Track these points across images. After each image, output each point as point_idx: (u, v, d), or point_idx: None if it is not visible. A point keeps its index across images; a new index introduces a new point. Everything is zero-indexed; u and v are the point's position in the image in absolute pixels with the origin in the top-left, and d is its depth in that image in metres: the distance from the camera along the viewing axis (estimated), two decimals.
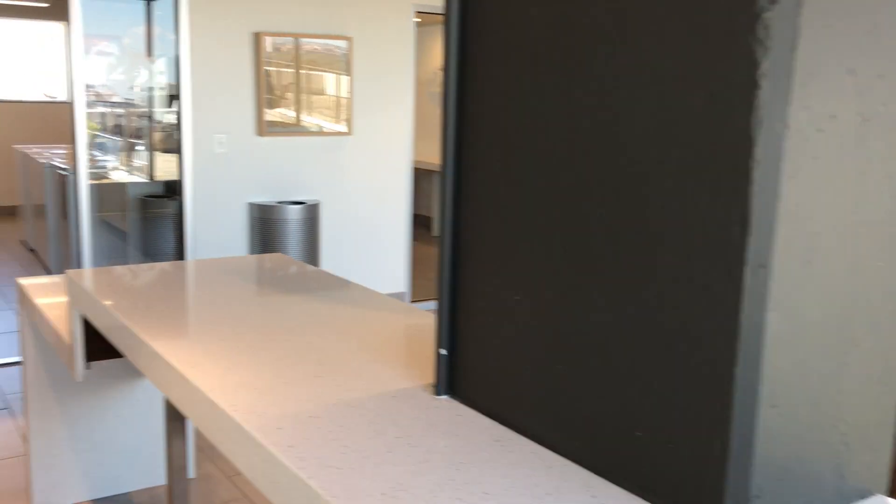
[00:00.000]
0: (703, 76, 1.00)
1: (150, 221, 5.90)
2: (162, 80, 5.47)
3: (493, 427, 1.35)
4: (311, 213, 5.41)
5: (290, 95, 5.44)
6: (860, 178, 1.03)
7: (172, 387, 1.61)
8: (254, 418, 1.35)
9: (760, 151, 0.95)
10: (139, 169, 6.27)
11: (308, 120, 5.54)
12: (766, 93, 0.94)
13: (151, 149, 6.17)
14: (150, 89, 5.52)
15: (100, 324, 2.09)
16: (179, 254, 5.41)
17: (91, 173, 6.24)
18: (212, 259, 2.64)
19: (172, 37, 5.16)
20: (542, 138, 1.25)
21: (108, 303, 2.03)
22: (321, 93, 5.57)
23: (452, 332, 1.46)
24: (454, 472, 1.18)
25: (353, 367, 1.61)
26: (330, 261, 5.81)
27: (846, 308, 1.06)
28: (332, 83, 5.60)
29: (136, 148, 6.36)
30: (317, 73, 5.54)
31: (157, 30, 5.55)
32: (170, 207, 5.61)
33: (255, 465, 1.30)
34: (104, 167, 6.48)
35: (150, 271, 2.47)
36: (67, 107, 7.93)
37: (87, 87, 5.51)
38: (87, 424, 3.15)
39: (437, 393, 1.47)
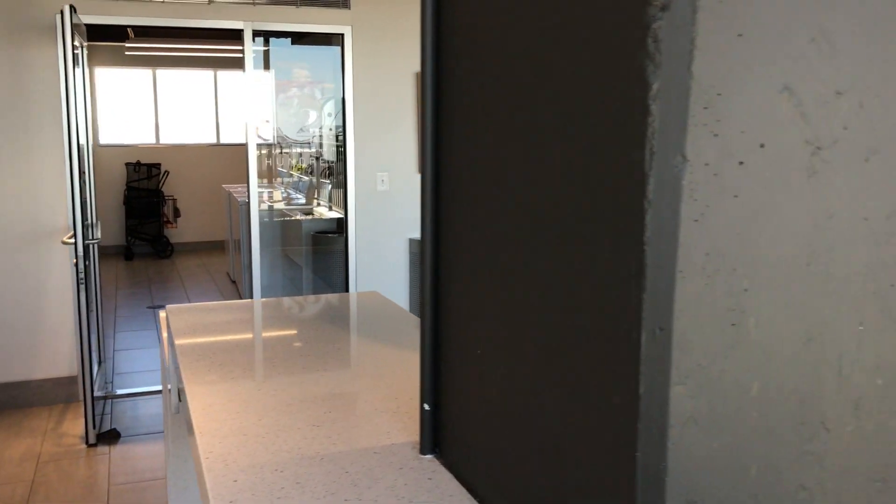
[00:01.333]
0: (599, 103, 0.84)
1: (322, 255, 6.16)
2: (331, 121, 5.72)
3: (457, 495, 1.22)
4: None
5: None
6: (817, 222, 0.83)
7: (191, 429, 1.62)
8: (219, 468, 1.31)
9: (654, 191, 0.78)
10: (312, 205, 6.58)
11: None
12: (658, 119, 0.77)
13: (322, 187, 6.46)
14: (319, 129, 5.78)
15: (179, 360, 2.16)
16: (346, 286, 5.59)
17: (277, 210, 6.63)
18: (303, 297, 2.67)
19: (341, 80, 5.39)
20: (486, 187, 1.12)
21: (178, 343, 2.10)
22: None
23: (436, 384, 1.35)
24: None
25: (358, 417, 1.53)
26: None
27: (809, 383, 0.85)
28: None
29: (313, 186, 6.69)
30: None
31: (329, 73, 5.82)
32: (338, 243, 5.82)
33: None
34: (293, 204, 6.87)
35: (236, 310, 2.54)
36: (269, 147, 8.53)
37: (272, 129, 5.87)
38: None
39: (423, 451, 1.36)
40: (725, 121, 0.78)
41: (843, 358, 0.85)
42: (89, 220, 4.83)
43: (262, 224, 6.37)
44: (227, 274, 8.81)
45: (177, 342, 2.08)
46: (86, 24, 4.86)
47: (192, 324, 2.28)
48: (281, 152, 8.18)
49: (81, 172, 4.28)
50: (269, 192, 8.13)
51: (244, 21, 5.07)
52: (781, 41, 0.78)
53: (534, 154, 0.98)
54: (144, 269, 9.21)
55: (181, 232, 10.25)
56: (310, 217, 6.42)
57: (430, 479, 1.27)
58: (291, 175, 7.91)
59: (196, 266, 9.39)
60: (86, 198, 4.69)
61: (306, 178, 7.32)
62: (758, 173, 0.79)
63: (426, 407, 1.35)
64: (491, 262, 1.13)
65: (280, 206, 7.13)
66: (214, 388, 1.71)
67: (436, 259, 1.32)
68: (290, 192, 7.82)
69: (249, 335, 2.18)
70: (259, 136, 11.65)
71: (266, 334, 2.20)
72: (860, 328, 0.86)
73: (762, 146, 0.79)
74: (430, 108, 1.28)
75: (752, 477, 0.84)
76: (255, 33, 5.33)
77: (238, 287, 8.10)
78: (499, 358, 1.11)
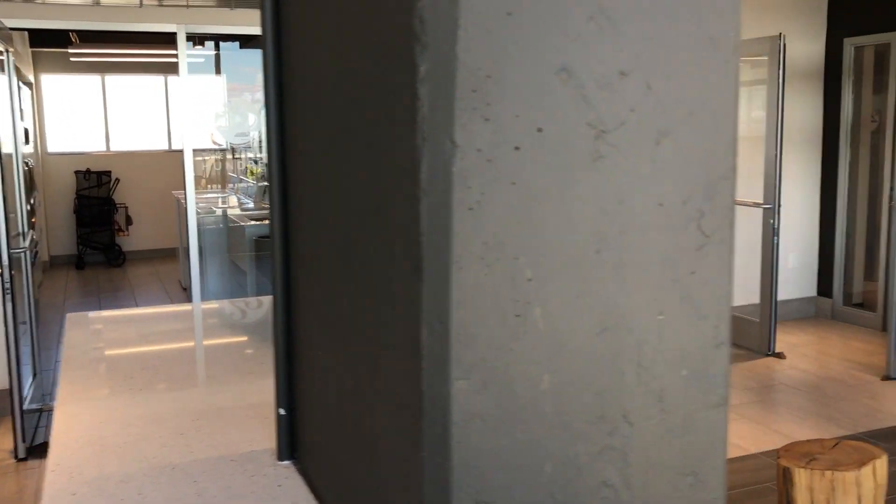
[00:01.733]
0: (382, 92, 0.81)
1: (266, 260, 6.09)
2: None
3: (302, 503, 1.18)
4: None
5: None
6: (606, 207, 0.80)
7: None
8: (62, 481, 1.26)
9: (426, 179, 0.74)
10: (258, 209, 6.51)
11: None
12: (427, 104, 0.74)
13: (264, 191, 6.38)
14: (258, 132, 5.72)
15: (60, 370, 2.10)
16: None
17: (224, 216, 6.54)
18: (220, 301, 2.62)
19: None
20: (316, 187, 1.09)
21: (65, 352, 2.04)
22: None
23: (290, 388, 1.30)
24: None
25: (226, 424, 1.48)
26: None
27: (606, 375, 0.82)
28: None
29: (261, 190, 6.61)
30: None
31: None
32: None
33: None
34: (244, 209, 6.79)
35: (139, 321, 2.48)
36: (223, 153, 8.42)
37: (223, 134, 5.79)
38: None
39: (280, 458, 1.32)
40: (497, 104, 0.74)
41: (643, 348, 0.83)
42: (19, 230, 4.73)
43: (207, 231, 6.28)
44: (179, 282, 8.70)
45: (64, 352, 2.02)
46: (13, 28, 4.76)
47: (87, 333, 2.22)
48: (234, 157, 8.08)
49: (5, 182, 4.18)
50: (221, 197, 8.03)
51: (177, 24, 4.99)
52: (556, 20, 0.75)
53: (341, 151, 0.94)
54: (95, 278, 9.06)
55: (133, 240, 10.10)
56: (254, 223, 6.34)
57: (280, 486, 1.23)
58: (242, 180, 7.82)
59: (148, 274, 9.25)
60: (10, 207, 4.58)
61: (258, 184, 7.23)
62: (536, 159, 0.76)
63: (281, 412, 1.31)
64: (322, 264, 1.09)
65: (234, 211, 7.03)
66: (87, 398, 1.65)
67: (285, 260, 1.28)
68: (240, 197, 7.73)
69: (144, 347, 2.12)
70: (213, 142, 11.51)
71: (161, 345, 2.14)
72: (660, 317, 0.83)
73: (540, 130, 0.76)
74: (274, 100, 1.25)
75: (548, 474, 0.81)
76: (203, 37, 5.27)
77: (189, 295, 7.99)
78: (333, 361, 1.07)
